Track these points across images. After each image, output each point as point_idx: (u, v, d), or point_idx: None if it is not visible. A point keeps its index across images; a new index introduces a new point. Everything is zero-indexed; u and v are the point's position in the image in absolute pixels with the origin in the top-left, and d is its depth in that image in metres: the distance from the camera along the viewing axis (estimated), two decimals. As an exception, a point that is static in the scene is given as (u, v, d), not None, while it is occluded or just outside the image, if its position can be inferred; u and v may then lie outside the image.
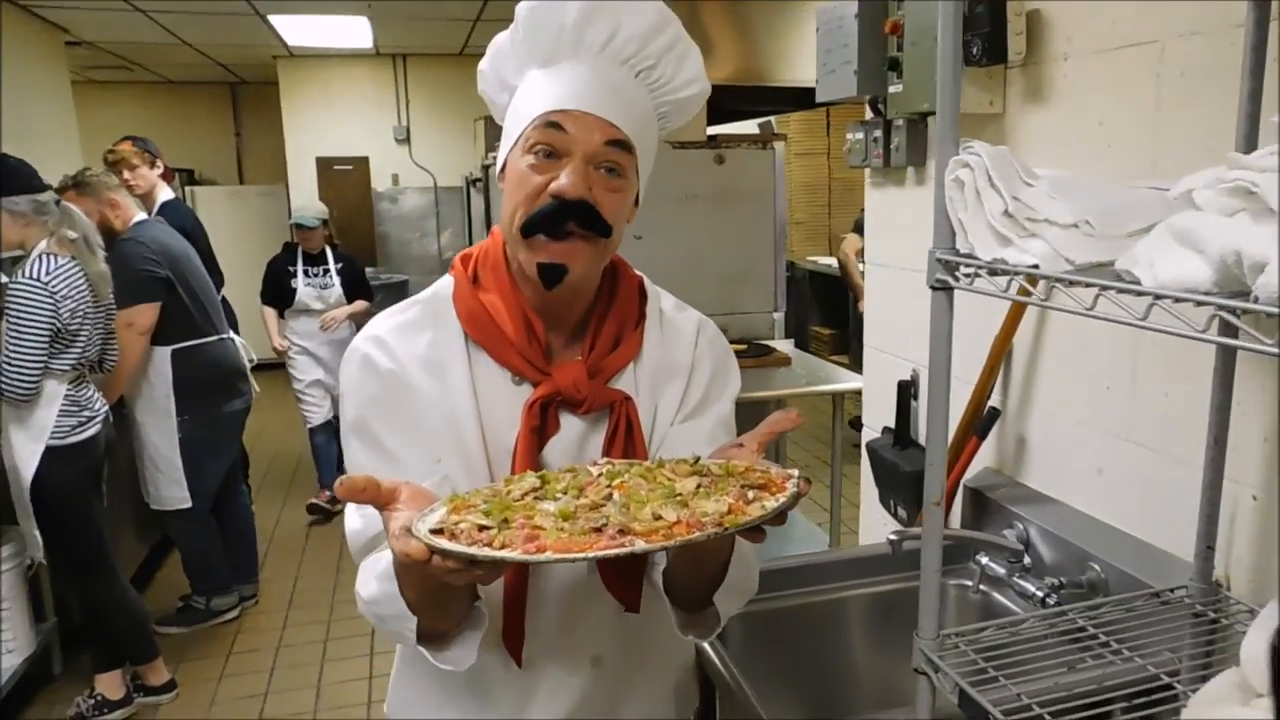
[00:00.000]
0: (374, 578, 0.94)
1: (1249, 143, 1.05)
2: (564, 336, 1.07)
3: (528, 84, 1.02)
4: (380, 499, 0.82)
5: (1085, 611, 1.15)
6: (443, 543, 0.75)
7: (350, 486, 0.81)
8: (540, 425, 1.02)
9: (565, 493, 0.86)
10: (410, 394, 1.01)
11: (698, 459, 0.93)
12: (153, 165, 3.82)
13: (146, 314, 3.18)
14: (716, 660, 1.34)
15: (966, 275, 0.97)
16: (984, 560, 1.51)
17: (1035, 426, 1.55)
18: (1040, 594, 1.37)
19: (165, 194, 3.90)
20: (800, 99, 3.79)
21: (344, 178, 7.25)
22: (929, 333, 1.02)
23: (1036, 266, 0.87)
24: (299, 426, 4.92)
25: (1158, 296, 0.74)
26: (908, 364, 1.90)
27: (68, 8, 5.24)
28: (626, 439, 1.04)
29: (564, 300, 1.05)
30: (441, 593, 0.87)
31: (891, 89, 1.72)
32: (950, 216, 0.97)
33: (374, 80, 7.32)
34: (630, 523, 0.77)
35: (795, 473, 0.89)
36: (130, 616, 2.94)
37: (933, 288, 1.00)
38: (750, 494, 0.83)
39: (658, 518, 0.77)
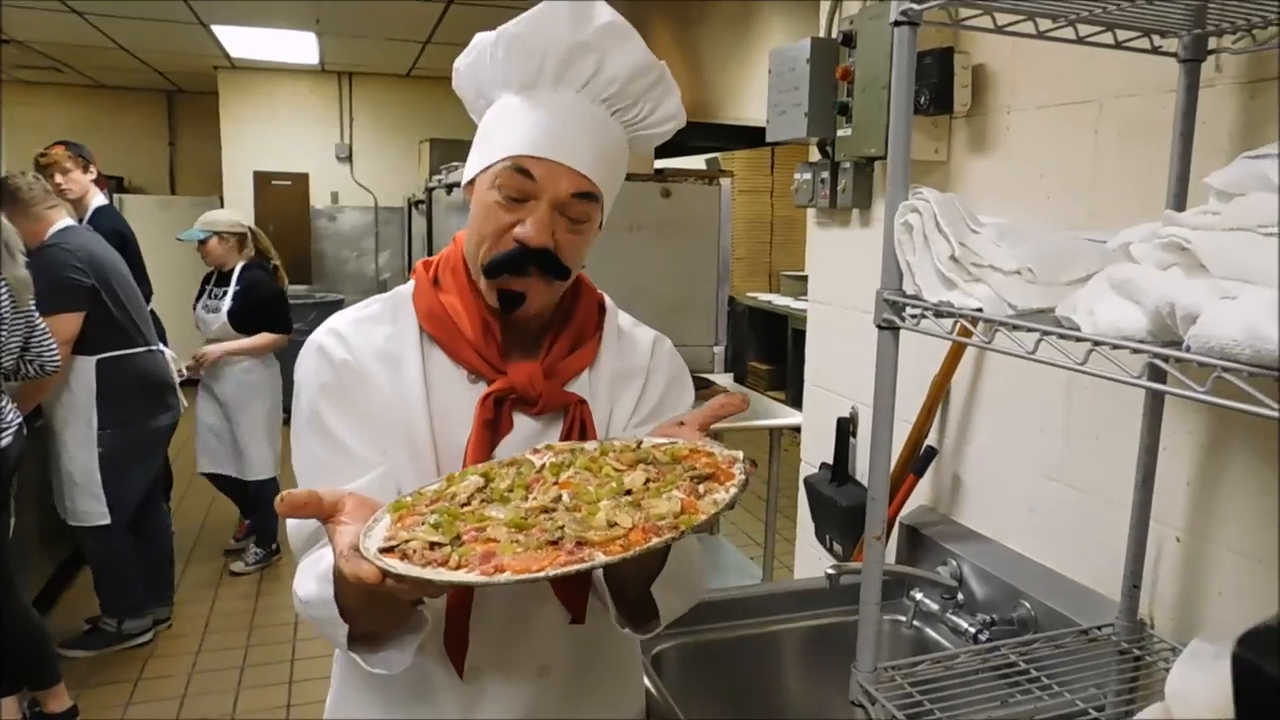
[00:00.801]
0: (313, 577, 0.92)
1: (1179, 199, 1.10)
2: (522, 343, 1.08)
3: (504, 107, 1.02)
4: (323, 512, 0.81)
5: (1016, 647, 1.18)
6: (396, 565, 0.73)
7: (291, 503, 0.80)
8: (494, 421, 1.03)
9: (511, 492, 0.85)
10: (363, 384, 1.02)
11: (639, 443, 0.93)
12: (85, 170, 3.72)
13: (69, 323, 3.05)
14: (653, 689, 1.33)
15: (913, 316, 0.99)
16: (918, 596, 1.54)
17: (971, 466, 1.59)
18: (973, 630, 1.40)
19: (98, 200, 3.79)
20: (748, 137, 3.86)
21: (282, 193, 7.11)
22: (873, 371, 1.05)
23: (980, 310, 0.90)
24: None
25: (1096, 342, 0.78)
26: (847, 401, 1.94)
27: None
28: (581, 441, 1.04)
29: (522, 315, 1.06)
30: (385, 603, 0.85)
31: (840, 132, 1.77)
32: (898, 259, 1.00)
33: (318, 96, 7.23)
34: (585, 532, 0.76)
35: (739, 455, 0.89)
36: (30, 638, 2.79)
37: (880, 327, 1.02)
38: (700, 487, 0.83)
39: (612, 524, 0.77)
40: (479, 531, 0.77)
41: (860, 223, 1.89)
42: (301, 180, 7.19)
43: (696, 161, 5.23)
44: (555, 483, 0.86)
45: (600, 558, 0.73)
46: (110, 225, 3.66)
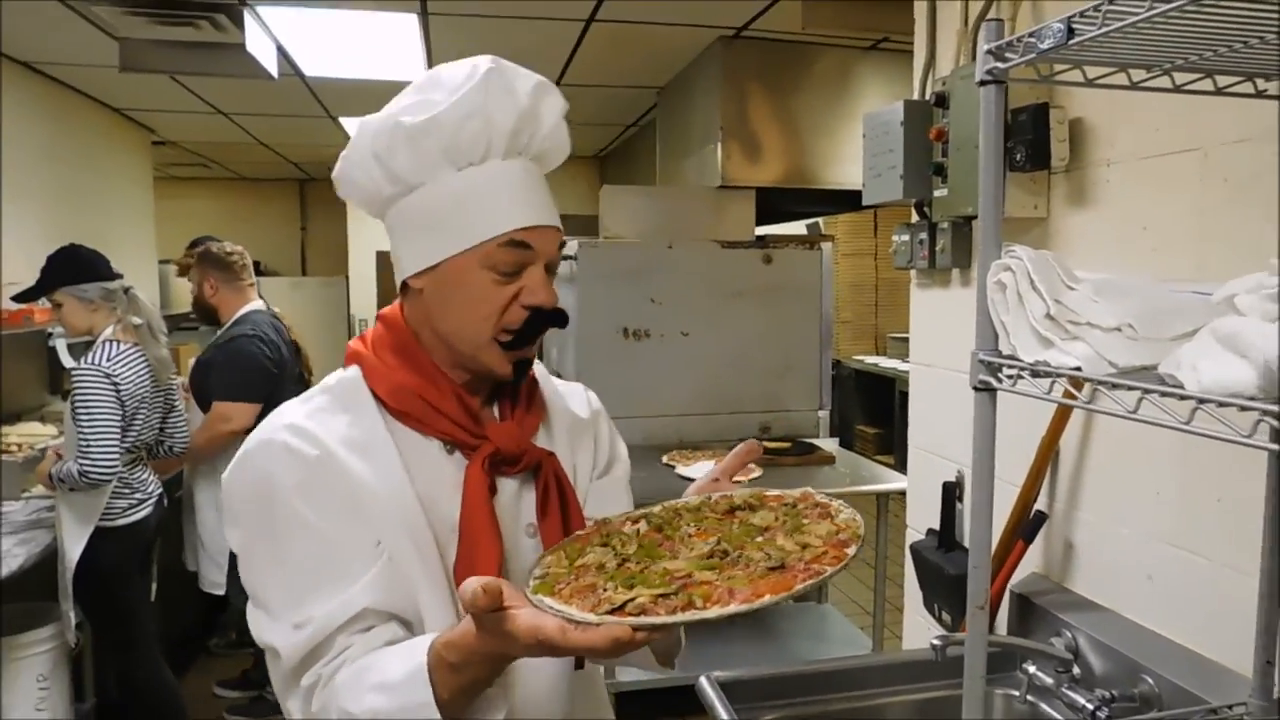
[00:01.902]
0: (371, 690, 0.85)
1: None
2: (478, 403, 1.06)
3: (453, 188, 0.98)
4: (501, 600, 0.76)
5: (1140, 728, 1.11)
6: (653, 619, 0.73)
7: (492, 596, 0.74)
8: (491, 487, 1.01)
9: (649, 553, 0.87)
10: (342, 477, 0.95)
11: (710, 497, 1.01)
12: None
13: (246, 414, 3.06)
14: (754, 765, 1.30)
15: (1009, 377, 0.97)
16: (1031, 669, 1.45)
17: (1083, 531, 1.51)
18: (1090, 706, 1.32)
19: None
20: (847, 200, 3.87)
21: (401, 270, 7.47)
22: (974, 435, 1.02)
23: (1079, 369, 0.88)
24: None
25: (1201, 400, 0.75)
26: (953, 465, 1.88)
27: (157, 110, 5.59)
28: (559, 494, 1.05)
29: (484, 373, 1.05)
30: (485, 683, 0.84)
31: (936, 193, 1.76)
32: (992, 318, 0.98)
33: (435, 179, 7.62)
34: (789, 557, 0.80)
35: (811, 491, 0.98)
36: (166, 700, 2.93)
37: (975, 389, 1.00)
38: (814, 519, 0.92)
39: (804, 545, 0.83)
40: (686, 579, 0.79)
41: (960, 282, 1.86)
42: (418, 258, 7.53)
43: (797, 227, 5.24)
44: (691, 534, 0.91)
45: (829, 569, 0.78)
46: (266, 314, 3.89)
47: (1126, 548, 1.41)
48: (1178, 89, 1.02)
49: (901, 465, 2.97)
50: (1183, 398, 0.77)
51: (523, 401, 1.09)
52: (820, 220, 5.37)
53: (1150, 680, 1.28)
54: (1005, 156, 1.56)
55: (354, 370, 1.04)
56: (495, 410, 1.09)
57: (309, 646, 0.90)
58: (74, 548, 2.63)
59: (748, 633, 3.49)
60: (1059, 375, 0.89)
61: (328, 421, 0.98)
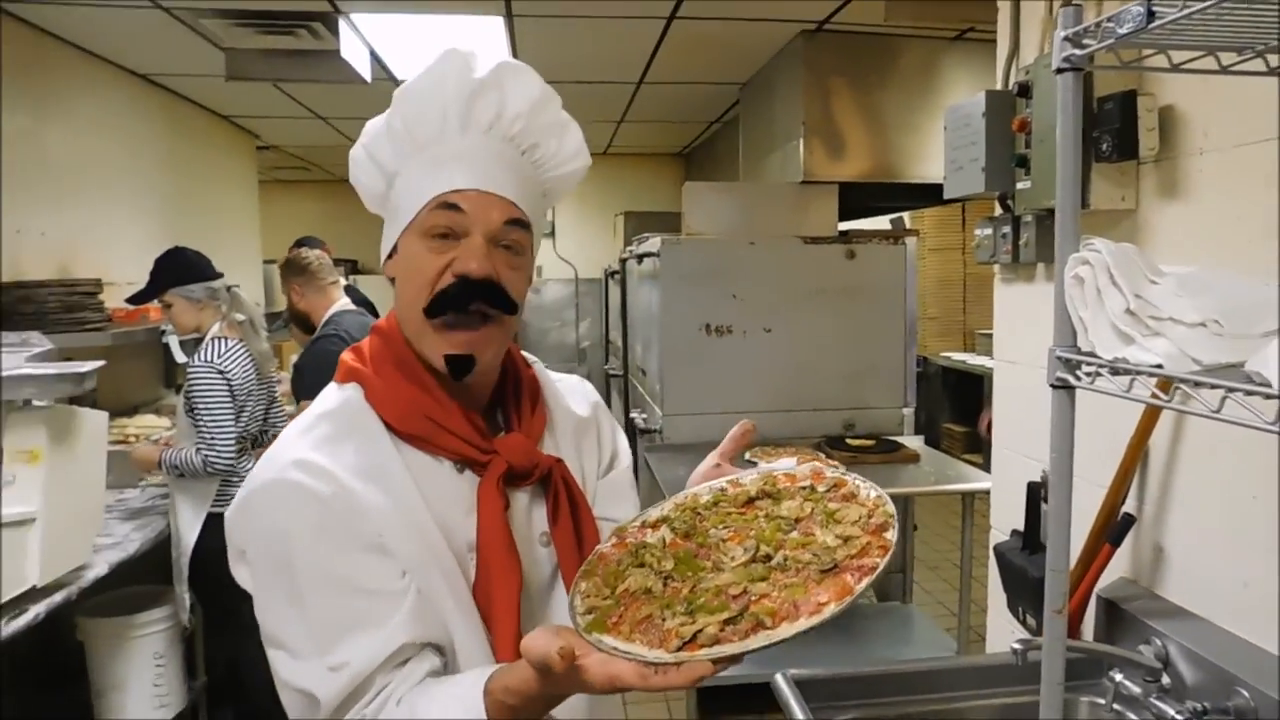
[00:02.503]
0: None
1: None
2: (482, 417, 1.04)
3: (414, 169, 0.98)
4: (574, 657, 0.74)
5: (1232, 740, 1.07)
6: (727, 648, 0.72)
7: (570, 653, 0.73)
8: (506, 504, 0.99)
9: (686, 567, 0.85)
10: (360, 512, 0.90)
11: (726, 485, 1.00)
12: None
13: None
14: (827, 762, 1.30)
15: (1088, 374, 0.95)
16: (1118, 677, 1.41)
17: (1173, 535, 1.46)
18: (1181, 718, 1.27)
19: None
20: (932, 194, 3.78)
21: (492, 267, 7.64)
22: (1051, 434, 1.00)
23: (1160, 366, 0.85)
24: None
25: (1286, 399, 0.72)
26: (1037, 464, 1.83)
27: (261, 117, 5.86)
28: (570, 501, 1.03)
29: (476, 385, 1.02)
30: (541, 714, 0.83)
31: (1020, 185, 1.71)
32: (1070, 314, 0.96)
33: (523, 178, 7.76)
34: (835, 555, 0.80)
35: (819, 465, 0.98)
36: (270, 682, 3.07)
37: (1054, 386, 0.98)
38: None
39: (846, 539, 0.82)
40: (742, 595, 0.78)
41: (1045, 277, 1.81)
42: (509, 256, 7.69)
43: (881, 223, 5.15)
44: (724, 539, 0.88)
45: (881, 561, 0.78)
46: (361, 297, 4.09)
47: (1220, 553, 1.35)
48: (1272, 71, 0.98)
49: (988, 464, 2.90)
50: (1269, 396, 0.74)
51: (526, 406, 1.06)
52: (905, 215, 5.26)
53: (1245, 693, 1.23)
54: (1090, 146, 1.52)
55: (353, 390, 0.99)
56: (500, 417, 1.06)
57: (349, 689, 0.86)
58: (189, 533, 2.79)
59: (829, 633, 3.46)
60: (1139, 373, 0.87)
61: (336, 451, 0.93)
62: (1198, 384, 0.80)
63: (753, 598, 0.77)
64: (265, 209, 6.81)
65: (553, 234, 7.76)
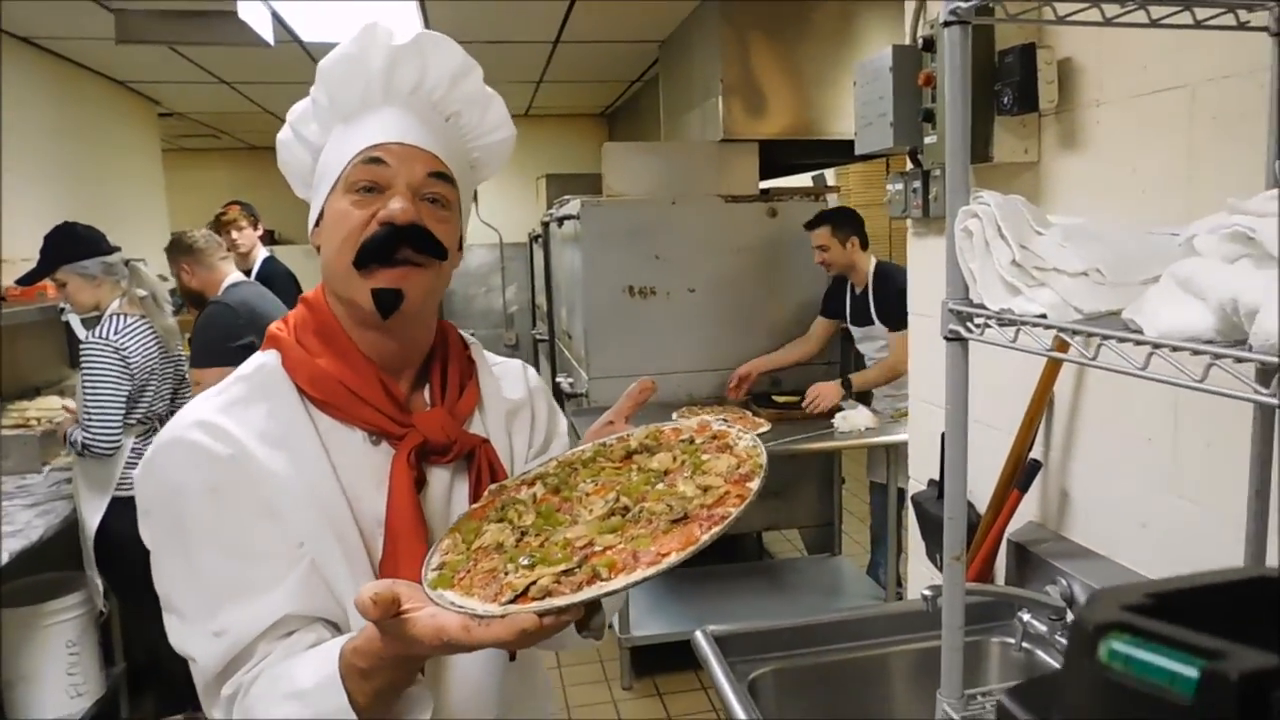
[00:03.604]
0: (286, 698, 0.82)
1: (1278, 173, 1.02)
2: (405, 389, 1.02)
3: (337, 136, 0.99)
4: (396, 607, 0.72)
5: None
6: (557, 601, 0.69)
7: (384, 604, 0.70)
8: (418, 479, 0.96)
9: (548, 520, 0.83)
10: (258, 476, 0.89)
11: (609, 440, 0.98)
12: (255, 226, 4.08)
13: (216, 377, 3.18)
14: (743, 715, 1.32)
15: (978, 325, 0.96)
16: (1026, 617, 1.45)
17: (1078, 479, 1.50)
18: (1084, 654, 1.32)
19: (263, 253, 4.13)
20: (852, 151, 3.80)
21: (414, 235, 7.49)
22: (946, 384, 1.01)
23: (1044, 316, 0.86)
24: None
25: (1156, 346, 0.73)
26: (952, 415, 1.86)
27: (160, 82, 5.59)
28: (493, 482, 1.01)
29: (402, 347, 1.00)
30: (403, 683, 0.81)
31: (927, 140, 1.72)
32: (961, 266, 0.97)
33: (442, 141, 7.59)
34: (690, 505, 0.77)
35: (709, 419, 0.96)
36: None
37: (946, 338, 0.99)
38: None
39: (705, 489, 0.80)
40: (588, 547, 0.76)
41: (955, 231, 1.83)
42: (430, 222, 7.55)
43: (803, 180, 5.17)
44: (589, 493, 0.86)
45: (733, 511, 0.75)
46: (281, 270, 4.05)
47: (1121, 495, 1.40)
48: (1154, 23, 0.99)
49: (908, 416, 2.93)
50: (1139, 343, 0.75)
51: (454, 386, 1.04)
52: (831, 172, 5.29)
53: (1140, 626, 1.28)
54: (992, 99, 1.53)
55: (271, 356, 0.98)
56: (425, 395, 1.04)
57: (229, 656, 0.86)
58: (92, 517, 2.69)
59: (756, 586, 3.52)
60: (1024, 323, 0.88)
61: (243, 414, 0.92)
62: (1076, 333, 0.82)
63: (596, 550, 0.75)
64: (172, 178, 6.54)
65: (475, 198, 7.62)
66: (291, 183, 1.07)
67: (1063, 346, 1.07)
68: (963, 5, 0.94)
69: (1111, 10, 0.98)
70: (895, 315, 3.44)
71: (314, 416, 0.95)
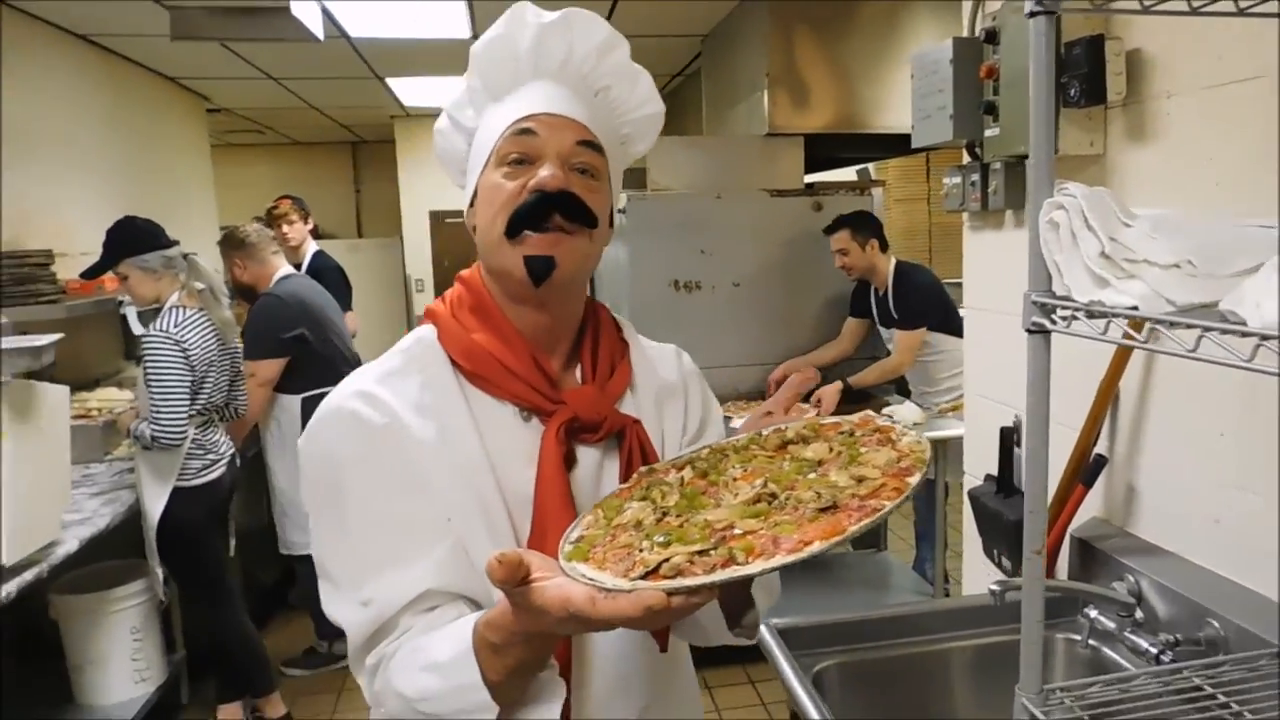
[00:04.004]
0: (422, 670, 0.83)
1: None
2: (558, 367, 1.02)
3: (490, 115, 1.01)
4: (523, 573, 0.72)
5: (1202, 670, 1.10)
6: (689, 580, 0.67)
7: (513, 565, 0.70)
8: (568, 455, 0.97)
9: (692, 502, 0.81)
10: (410, 447, 0.91)
11: (767, 431, 0.95)
12: (305, 221, 4.17)
13: (269, 368, 3.32)
14: (812, 709, 1.32)
15: (1063, 318, 0.95)
16: (1093, 614, 1.44)
17: (1145, 474, 1.49)
18: (1154, 650, 1.31)
19: (313, 246, 4.21)
20: (898, 145, 3.78)
21: (455, 229, 7.54)
22: (1027, 376, 1.01)
23: (1135, 308, 0.86)
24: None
25: (1264, 337, 0.72)
26: (1009, 409, 1.85)
27: (210, 78, 5.69)
28: (644, 464, 1.00)
29: (554, 321, 1.01)
30: (535, 663, 0.81)
31: (988, 133, 1.71)
32: (1045, 259, 0.96)
33: (482, 137, 7.64)
34: (842, 495, 0.74)
35: (872, 415, 0.93)
36: (250, 651, 3.08)
37: (1029, 331, 0.99)
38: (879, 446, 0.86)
39: (859, 480, 0.76)
40: (727, 530, 0.73)
41: (1014, 224, 1.82)
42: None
43: (847, 174, 5.14)
44: (736, 478, 0.85)
45: (888, 504, 0.71)
46: (331, 264, 4.15)
47: (1191, 491, 1.38)
48: (1241, 12, 0.97)
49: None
50: (1245, 334, 0.75)
51: (605, 364, 1.03)
52: (870, 166, 5.25)
53: (1216, 624, 1.27)
54: (1058, 92, 1.52)
55: (427, 330, 1.01)
56: (577, 374, 1.04)
57: (374, 626, 0.88)
58: (154, 507, 2.76)
59: (808, 581, 3.51)
60: (1115, 315, 0.87)
61: (399, 385, 0.95)
62: (1173, 324, 0.81)
63: (737, 533, 0.72)
64: (221, 174, 6.65)
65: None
66: (448, 172, 1.08)
67: (1135, 335, 1.06)
68: (1050, -4, 0.94)
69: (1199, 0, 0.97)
70: (910, 314, 3.43)
71: (466, 390, 0.96)
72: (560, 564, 0.75)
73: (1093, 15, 1.43)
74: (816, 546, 0.68)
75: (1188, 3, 0.97)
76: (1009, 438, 1.82)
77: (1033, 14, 0.96)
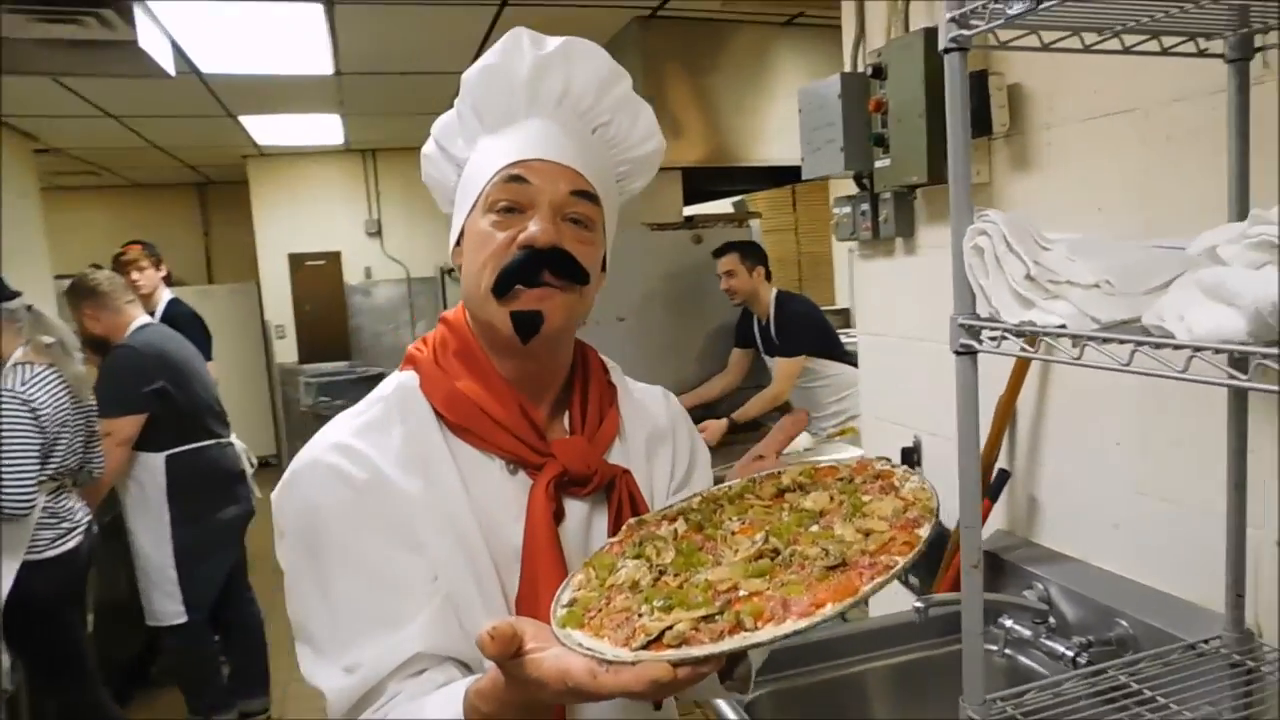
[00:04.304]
0: None
1: (1240, 198, 1.09)
2: (544, 415, 0.98)
3: (481, 150, 0.96)
4: (516, 645, 0.68)
5: (1124, 668, 1.15)
6: (697, 650, 0.64)
7: (506, 639, 0.66)
8: (557, 511, 0.93)
9: (690, 559, 0.78)
10: (394, 503, 0.87)
11: (760, 476, 0.93)
12: (157, 267, 3.88)
13: (128, 425, 3.07)
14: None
15: (991, 338, 0.99)
16: (1008, 623, 1.50)
17: (1046, 486, 1.56)
18: (1070, 654, 1.36)
19: (167, 294, 3.93)
20: (770, 176, 3.90)
21: (316, 272, 7.26)
22: (934, 398, 1.04)
23: (1064, 326, 0.90)
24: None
25: (1197, 349, 0.77)
26: (909, 430, 1.92)
27: (39, 116, 5.28)
28: (634, 515, 0.97)
29: (542, 370, 0.98)
30: None
31: (878, 163, 1.78)
32: (971, 282, 1.00)
33: (344, 175, 7.39)
34: (850, 551, 0.71)
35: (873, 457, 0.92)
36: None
37: (958, 353, 1.02)
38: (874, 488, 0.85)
39: (866, 533, 0.74)
40: (732, 591, 0.70)
41: (905, 251, 1.89)
42: (334, 259, 7.32)
43: (724, 205, 5.27)
44: (734, 531, 0.82)
45: (900, 560, 0.69)
46: (187, 312, 3.89)
47: (1091, 498, 1.46)
48: (1127, 50, 1.05)
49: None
50: (1177, 347, 0.79)
51: (594, 412, 1.00)
52: (744, 198, 5.41)
53: (1125, 623, 1.34)
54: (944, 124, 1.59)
55: (409, 377, 0.96)
56: (565, 422, 1.00)
57: (360, 692, 0.83)
58: (2, 583, 2.48)
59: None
60: (1046, 334, 0.91)
61: (379, 438, 0.90)
62: (1106, 340, 0.85)
63: (741, 595, 0.69)
64: (53, 220, 6.15)
65: (379, 233, 7.48)
66: (436, 198, 1.04)
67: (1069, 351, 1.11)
68: (964, 33, 0.98)
69: (1090, 39, 1.04)
70: (790, 341, 3.54)
71: (450, 443, 0.92)
72: (554, 631, 0.71)
73: (975, 52, 1.51)
74: (830, 609, 0.65)
75: (1081, 41, 1.04)
76: (910, 459, 1.88)
77: (947, 50, 1.00)
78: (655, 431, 1.07)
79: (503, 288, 0.90)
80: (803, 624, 0.64)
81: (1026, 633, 1.46)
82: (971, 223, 1.01)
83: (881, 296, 2.02)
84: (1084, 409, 1.46)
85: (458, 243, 0.97)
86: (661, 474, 1.07)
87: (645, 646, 0.65)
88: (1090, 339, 0.86)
